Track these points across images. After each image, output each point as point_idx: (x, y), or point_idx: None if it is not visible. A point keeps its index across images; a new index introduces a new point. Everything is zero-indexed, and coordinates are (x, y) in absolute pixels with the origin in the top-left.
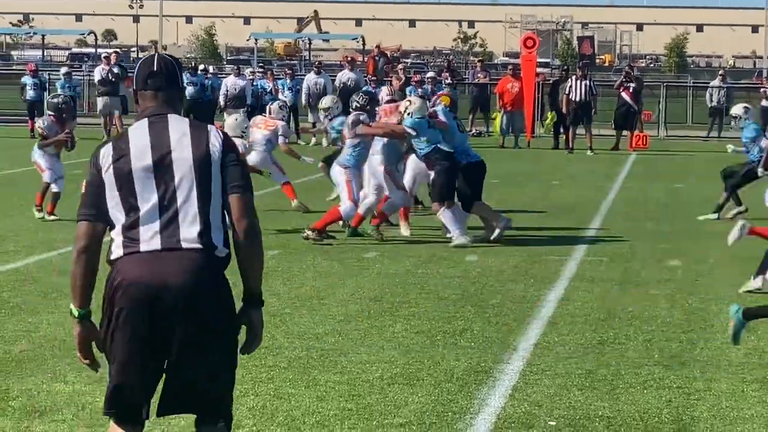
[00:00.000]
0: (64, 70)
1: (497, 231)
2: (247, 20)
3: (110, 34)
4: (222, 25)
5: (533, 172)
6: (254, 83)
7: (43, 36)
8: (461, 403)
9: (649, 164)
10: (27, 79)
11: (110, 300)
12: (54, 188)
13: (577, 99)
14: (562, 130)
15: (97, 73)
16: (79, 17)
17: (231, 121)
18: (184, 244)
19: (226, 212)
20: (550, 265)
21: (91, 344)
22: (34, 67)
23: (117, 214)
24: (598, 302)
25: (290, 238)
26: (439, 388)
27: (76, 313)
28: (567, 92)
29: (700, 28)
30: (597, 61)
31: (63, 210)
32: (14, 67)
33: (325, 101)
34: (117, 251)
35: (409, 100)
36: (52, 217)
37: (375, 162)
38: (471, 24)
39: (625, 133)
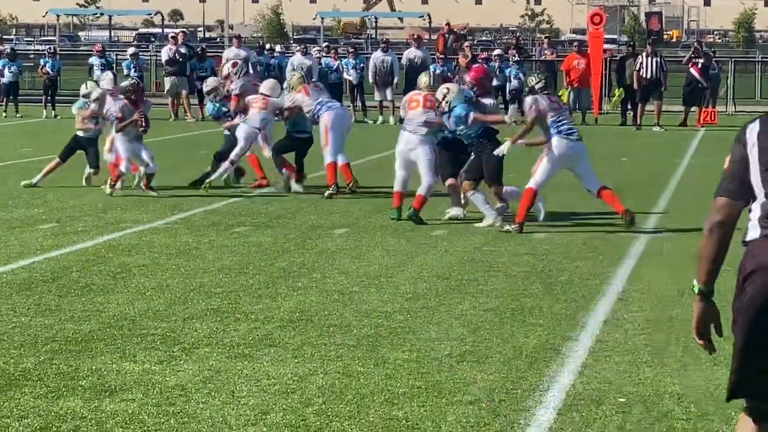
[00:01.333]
0: (131, 50)
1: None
2: None
3: (177, 14)
4: (288, 4)
5: (601, 148)
6: (321, 62)
7: (110, 16)
8: (530, 380)
9: (717, 140)
10: (94, 60)
11: (740, 285)
12: (150, 169)
13: (648, 76)
14: (629, 107)
15: (165, 54)
16: None
17: (268, 82)
18: None
19: None
20: (619, 241)
21: (708, 325)
22: (101, 47)
23: (757, 192)
24: (668, 278)
25: (359, 217)
26: (508, 366)
27: (696, 290)
28: (637, 69)
29: None
30: (665, 36)
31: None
32: (82, 48)
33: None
34: (752, 232)
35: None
36: (152, 193)
37: (425, 143)
38: (538, 1)
39: (693, 108)
